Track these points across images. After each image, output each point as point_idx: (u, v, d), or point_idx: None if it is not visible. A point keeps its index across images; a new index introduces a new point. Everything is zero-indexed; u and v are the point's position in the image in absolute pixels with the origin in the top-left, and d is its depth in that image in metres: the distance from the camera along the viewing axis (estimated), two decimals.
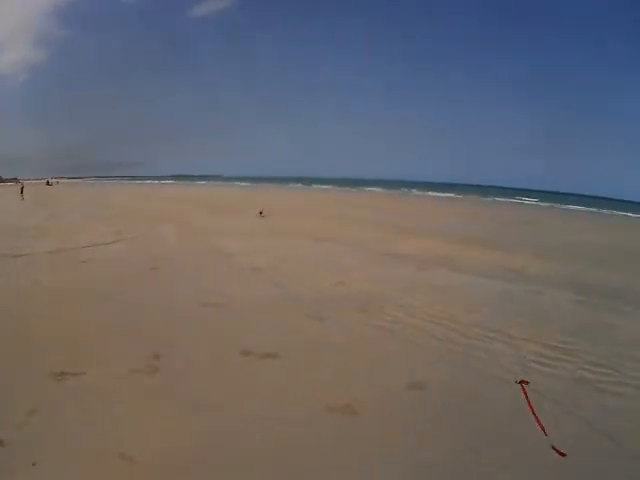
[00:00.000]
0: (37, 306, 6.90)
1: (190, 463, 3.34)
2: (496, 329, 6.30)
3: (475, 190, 66.40)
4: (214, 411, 4.05)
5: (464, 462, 3.43)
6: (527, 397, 4.34)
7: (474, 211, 31.30)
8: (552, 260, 11.98)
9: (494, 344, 5.80)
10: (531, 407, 4.19)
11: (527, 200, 50.76)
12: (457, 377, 4.86)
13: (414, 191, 60.95)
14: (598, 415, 4.12)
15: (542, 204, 46.89)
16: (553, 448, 3.58)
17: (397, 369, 5.03)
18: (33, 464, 3.21)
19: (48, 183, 62.94)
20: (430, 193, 56.98)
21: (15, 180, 60.83)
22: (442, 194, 55.50)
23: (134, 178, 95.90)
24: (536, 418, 3.96)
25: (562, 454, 3.51)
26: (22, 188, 33.17)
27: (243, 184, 72.84)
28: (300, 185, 71.27)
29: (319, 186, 68.80)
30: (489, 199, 50.25)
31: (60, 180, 72.34)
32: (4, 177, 67.04)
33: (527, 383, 4.64)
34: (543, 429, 3.81)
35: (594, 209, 42.56)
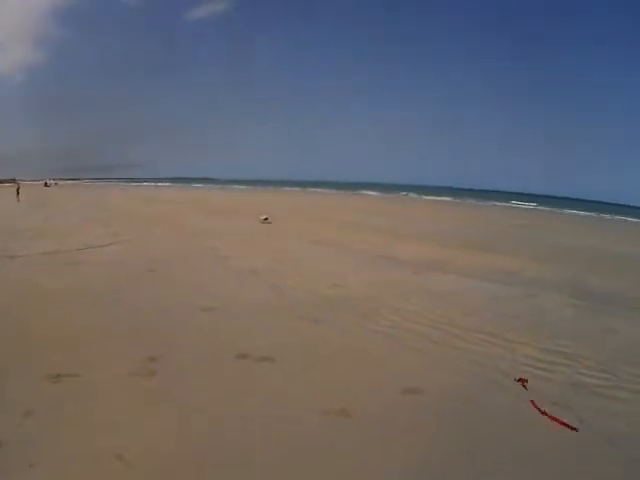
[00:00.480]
0: (33, 307, 6.88)
1: (186, 465, 3.34)
2: (493, 333, 6.32)
3: (472, 194, 66.72)
4: (210, 414, 4.05)
5: (460, 466, 3.43)
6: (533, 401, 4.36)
7: (471, 215, 31.45)
8: (549, 264, 12.08)
9: (491, 348, 5.80)
10: (534, 403, 4.24)
11: (525, 204, 51.07)
12: (454, 381, 4.86)
13: (411, 195, 61.11)
14: (596, 419, 4.13)
15: (540, 208, 47.15)
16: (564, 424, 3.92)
17: (393, 373, 5.02)
18: (30, 466, 3.21)
19: (46, 184, 62.83)
20: (427, 197, 57.20)
21: (13, 181, 60.54)
22: (439, 198, 55.74)
23: (131, 180, 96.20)
24: (542, 412, 4.07)
25: (573, 428, 3.84)
26: (18, 189, 33.06)
27: (239, 187, 73.14)
28: (297, 189, 71.39)
29: (315, 189, 69.01)
30: (487, 203, 50.46)
31: (58, 182, 72.20)
32: (2, 178, 66.66)
33: (526, 381, 4.68)
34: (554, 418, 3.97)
35: (593, 213, 42.88)
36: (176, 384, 4.58)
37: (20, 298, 7.35)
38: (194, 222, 19.10)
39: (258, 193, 55.17)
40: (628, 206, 61.06)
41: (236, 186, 76.97)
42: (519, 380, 4.74)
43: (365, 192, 63.30)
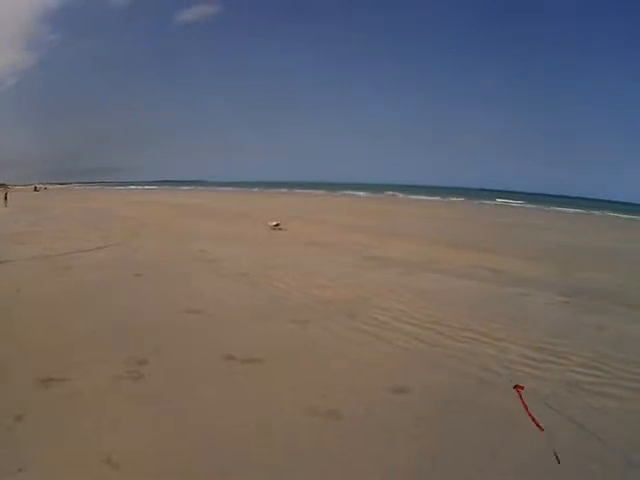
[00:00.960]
0: (22, 312, 6.85)
1: (174, 468, 3.37)
2: (483, 332, 6.34)
3: (461, 193, 67.03)
4: (198, 416, 4.07)
5: (449, 465, 3.46)
6: (523, 400, 4.38)
7: (459, 214, 31.61)
8: (538, 261, 12.20)
9: (481, 347, 5.81)
10: (525, 406, 4.27)
11: (512, 202, 51.50)
12: (443, 381, 4.87)
13: (399, 195, 61.14)
14: (587, 416, 4.14)
15: (527, 206, 47.55)
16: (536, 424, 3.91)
17: (382, 373, 5.04)
18: (19, 470, 3.22)
19: (36, 189, 62.38)
20: (416, 197, 57.24)
21: (3, 186, 59.89)
22: (428, 197, 55.91)
23: (120, 184, 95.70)
24: (534, 421, 4.03)
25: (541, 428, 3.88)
26: (6, 194, 32.84)
27: (227, 189, 72.93)
28: (284, 190, 71.33)
29: (303, 190, 68.86)
30: (474, 202, 50.78)
31: (48, 186, 71.62)
32: None
33: (522, 388, 4.62)
34: (539, 426, 3.93)
35: (582, 210, 43.27)
36: (164, 387, 4.60)
37: (8, 302, 7.31)
38: (182, 225, 19.06)
39: (246, 195, 54.92)
40: (620, 202, 61.68)
41: (224, 188, 76.84)
42: (515, 387, 4.68)
43: (353, 192, 63.24)
